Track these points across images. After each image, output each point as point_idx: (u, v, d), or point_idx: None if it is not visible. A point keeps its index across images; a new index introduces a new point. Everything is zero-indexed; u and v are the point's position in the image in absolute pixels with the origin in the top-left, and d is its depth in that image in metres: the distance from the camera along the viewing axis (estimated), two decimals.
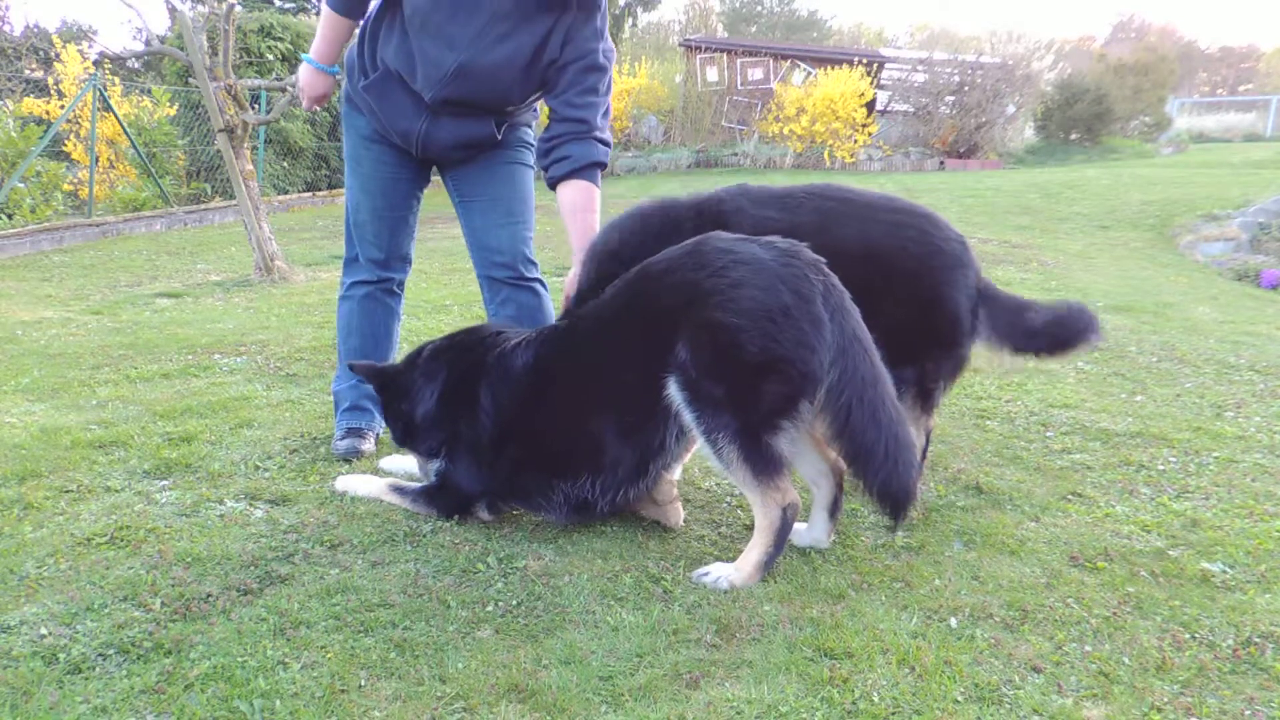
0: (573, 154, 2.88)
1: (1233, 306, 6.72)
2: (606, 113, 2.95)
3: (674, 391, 2.35)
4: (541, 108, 3.28)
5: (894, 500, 2.31)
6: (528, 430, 2.62)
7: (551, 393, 2.59)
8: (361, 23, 3.08)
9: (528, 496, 2.67)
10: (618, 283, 2.57)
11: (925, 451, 2.93)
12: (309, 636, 2.04)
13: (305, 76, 3.22)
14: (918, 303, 2.72)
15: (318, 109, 3.35)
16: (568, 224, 2.93)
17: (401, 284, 3.37)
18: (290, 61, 14.16)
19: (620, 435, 2.50)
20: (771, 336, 2.25)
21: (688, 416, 2.34)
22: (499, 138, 3.06)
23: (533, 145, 3.24)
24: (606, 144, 2.95)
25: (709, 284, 2.31)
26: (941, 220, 2.85)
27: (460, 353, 2.76)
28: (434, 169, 3.27)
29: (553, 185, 2.94)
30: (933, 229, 2.79)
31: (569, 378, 2.59)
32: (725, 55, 20.63)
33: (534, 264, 3.22)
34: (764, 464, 2.30)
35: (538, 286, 3.20)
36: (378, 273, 3.27)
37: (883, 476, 2.29)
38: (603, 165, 2.95)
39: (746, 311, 2.26)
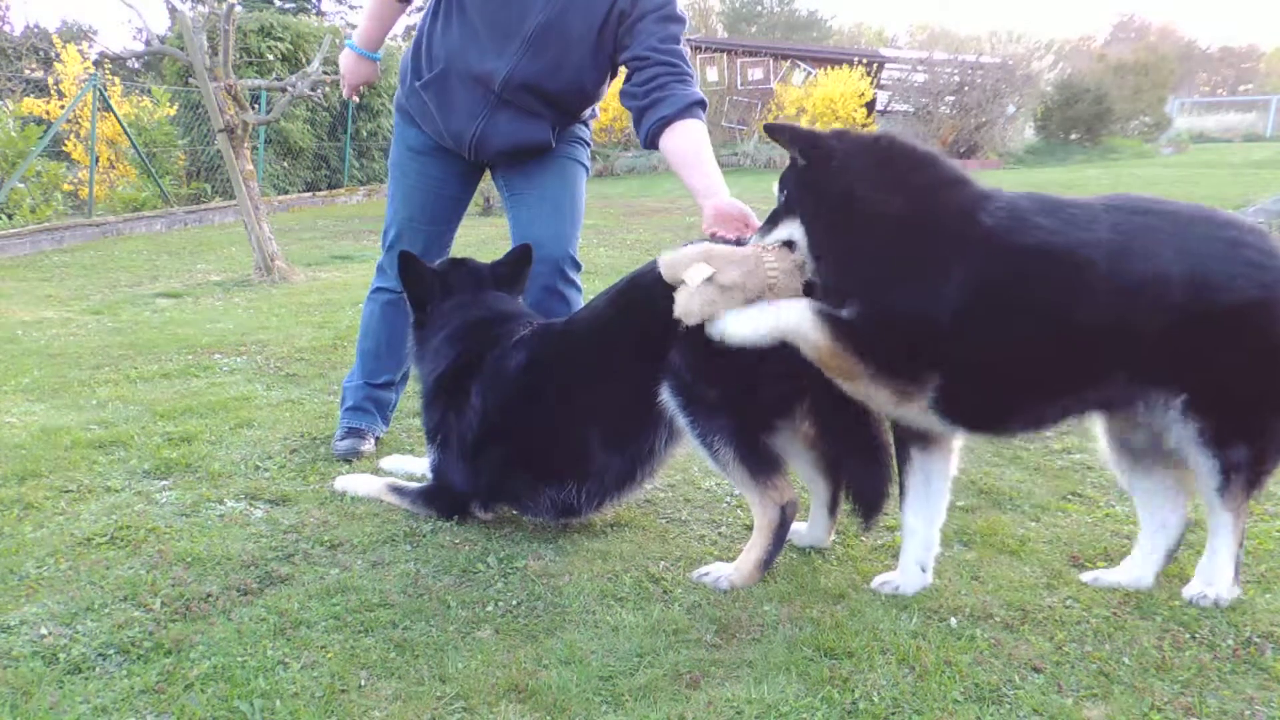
0: (676, 92, 2.65)
1: None
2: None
3: (667, 396, 2.36)
4: (605, 104, 3.21)
5: (868, 503, 2.39)
6: (516, 433, 2.62)
7: (541, 397, 2.60)
8: (416, 30, 3.08)
9: (515, 498, 2.68)
10: (610, 290, 2.58)
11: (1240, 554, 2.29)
12: (309, 636, 2.04)
13: (347, 62, 3.22)
14: (1261, 352, 2.07)
15: (341, 101, 3.32)
16: (686, 170, 2.65)
17: None
18: (290, 61, 14.16)
19: (609, 443, 2.52)
20: None
21: (682, 420, 2.35)
22: (553, 144, 3.01)
23: (589, 143, 3.21)
24: (701, 95, 2.74)
25: None
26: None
27: (468, 344, 2.73)
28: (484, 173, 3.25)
29: (658, 132, 2.69)
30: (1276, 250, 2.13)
31: (559, 383, 2.59)
32: (725, 55, 20.63)
33: (577, 264, 3.12)
34: (761, 463, 2.31)
35: (570, 291, 3.09)
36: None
37: (860, 479, 2.39)
38: (704, 107, 2.74)
39: None
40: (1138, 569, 2.35)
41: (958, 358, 2.12)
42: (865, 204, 2.14)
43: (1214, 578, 2.24)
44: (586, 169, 3.20)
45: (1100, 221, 2.09)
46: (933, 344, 2.11)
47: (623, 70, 2.88)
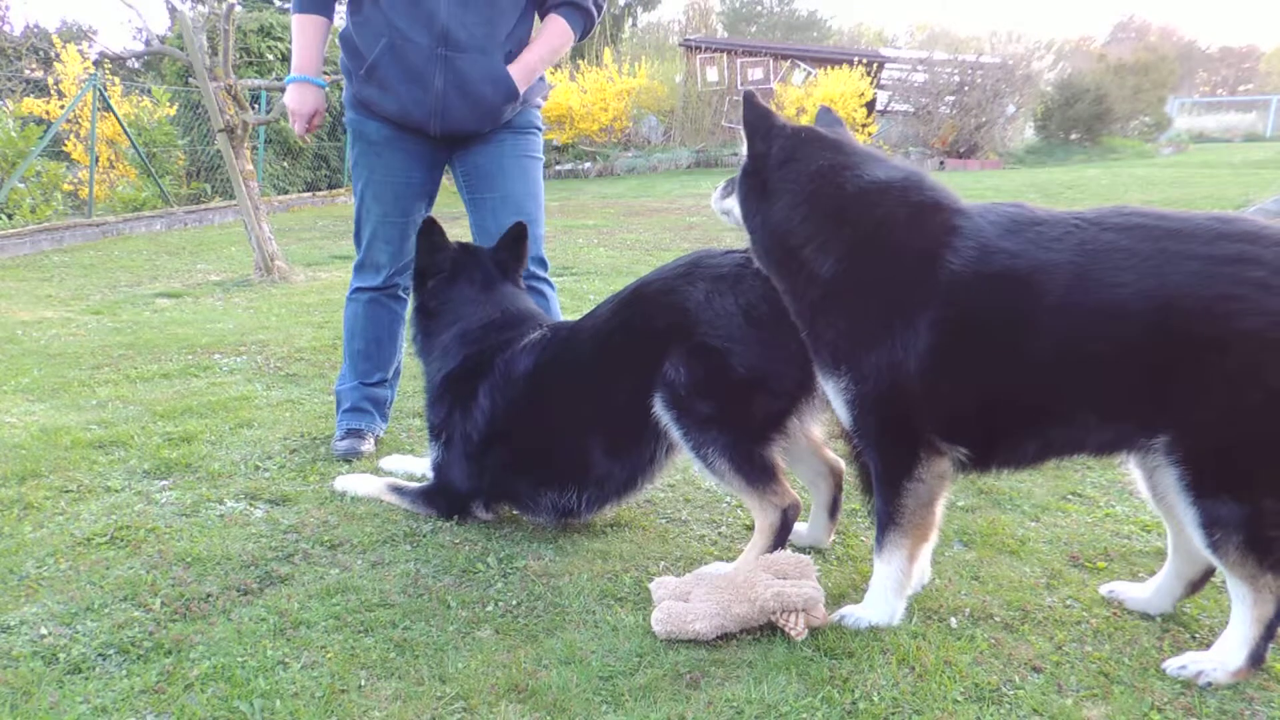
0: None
1: None
2: None
3: (660, 409, 2.37)
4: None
5: None
6: (520, 436, 2.63)
7: (546, 402, 2.60)
8: (341, 33, 3.09)
9: (516, 498, 2.69)
10: (615, 298, 2.59)
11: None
12: (309, 636, 2.04)
13: (293, 96, 3.13)
14: (1262, 391, 1.77)
15: (340, 100, 3.30)
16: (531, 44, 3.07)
17: (407, 288, 3.37)
18: (290, 61, 14.16)
19: (610, 452, 2.53)
20: (759, 355, 2.27)
21: (675, 433, 2.36)
22: (519, 93, 3.02)
23: (541, 130, 3.24)
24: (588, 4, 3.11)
25: (699, 306, 2.32)
26: None
27: (480, 346, 2.73)
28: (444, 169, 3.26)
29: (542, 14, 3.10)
30: None
31: (564, 389, 2.59)
32: (725, 55, 20.64)
33: (544, 263, 3.20)
34: (757, 473, 2.31)
35: (544, 288, 3.19)
36: (383, 278, 3.27)
37: None
38: (586, 13, 3.10)
39: (734, 332, 2.28)
40: (1151, 593, 2.24)
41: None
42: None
43: (1216, 652, 1.95)
44: (542, 159, 3.25)
45: (1066, 240, 1.89)
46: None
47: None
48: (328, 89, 3.24)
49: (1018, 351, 1.94)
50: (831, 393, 2.11)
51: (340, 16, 3.20)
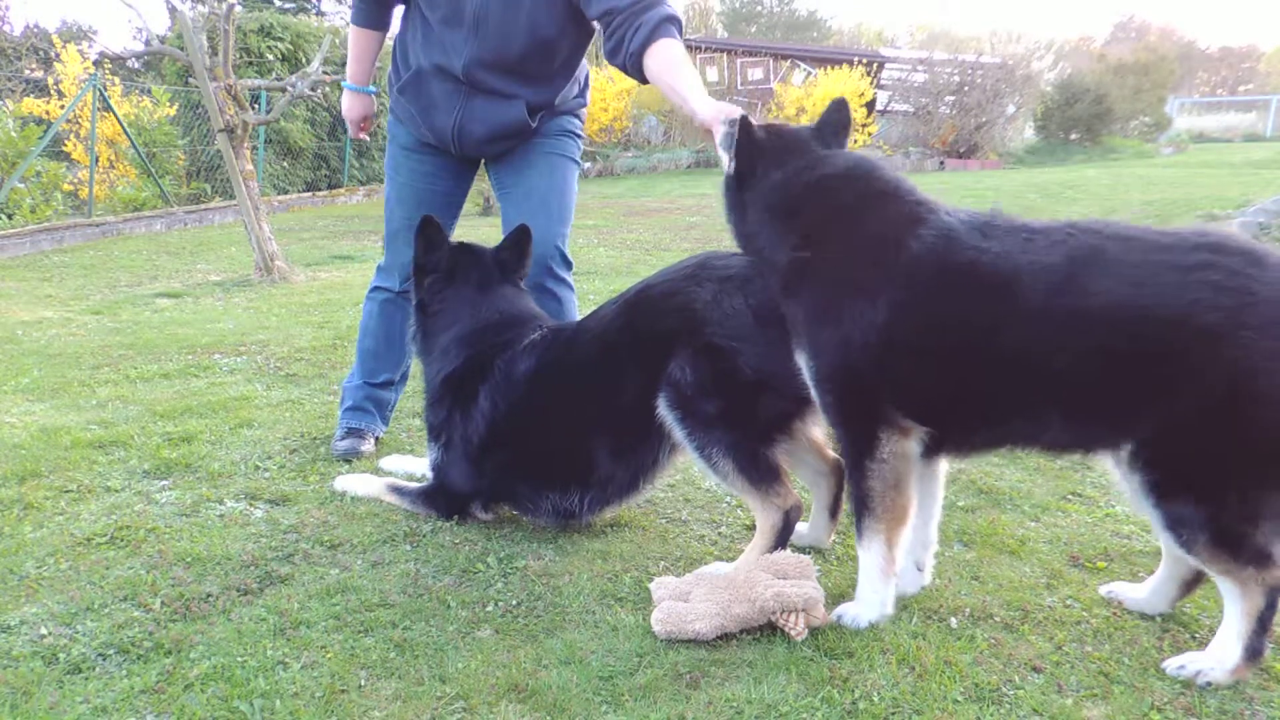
0: (647, 18, 2.63)
1: None
2: None
3: (664, 409, 2.37)
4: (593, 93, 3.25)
5: None
6: (521, 438, 2.63)
7: (548, 404, 2.60)
8: (396, 37, 3.16)
9: (516, 500, 2.70)
10: (619, 298, 2.58)
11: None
12: (309, 636, 2.04)
13: (344, 103, 3.36)
14: (1218, 390, 1.80)
15: (335, 116, 3.36)
16: (669, 87, 2.63)
17: None
18: (290, 61, 14.16)
19: (613, 454, 2.52)
20: (767, 356, 2.27)
21: (679, 433, 2.36)
22: (533, 124, 3.02)
23: (579, 137, 3.21)
24: (671, 10, 2.70)
25: (707, 306, 2.32)
26: (1271, 257, 1.85)
27: (479, 347, 2.72)
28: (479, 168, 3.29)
29: (637, 65, 2.68)
30: (1253, 269, 1.83)
31: (567, 391, 2.59)
32: (725, 55, 20.66)
33: (567, 262, 3.14)
34: (761, 474, 2.31)
35: (562, 291, 3.12)
36: (402, 280, 3.27)
37: None
38: (679, 25, 2.69)
39: (743, 332, 2.28)
40: (1148, 594, 2.25)
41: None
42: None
43: (1213, 651, 1.97)
44: (576, 163, 3.20)
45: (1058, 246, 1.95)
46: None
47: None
48: (375, 93, 3.42)
49: (976, 343, 2.00)
50: (804, 372, 2.18)
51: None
